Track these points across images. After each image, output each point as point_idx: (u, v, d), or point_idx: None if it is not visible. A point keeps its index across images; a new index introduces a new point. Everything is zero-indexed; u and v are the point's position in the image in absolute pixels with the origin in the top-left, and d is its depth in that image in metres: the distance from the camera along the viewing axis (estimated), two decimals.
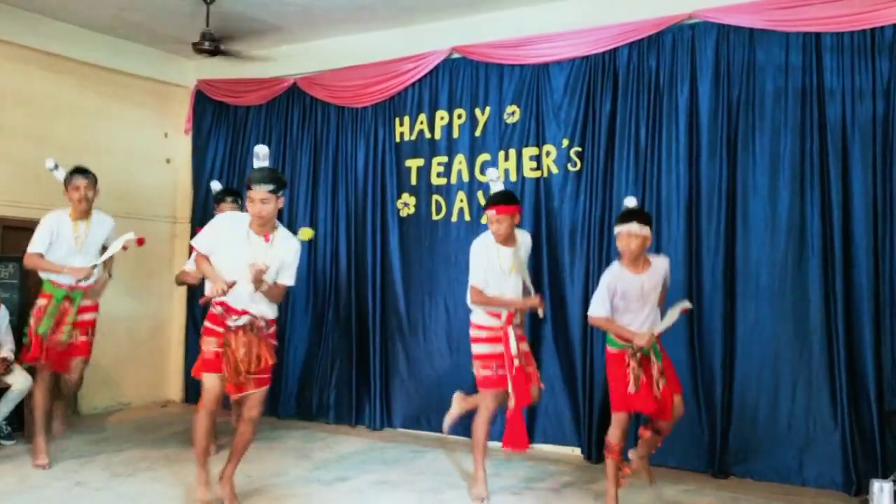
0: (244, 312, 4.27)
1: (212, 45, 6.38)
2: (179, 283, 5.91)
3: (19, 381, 5.91)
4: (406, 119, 6.85)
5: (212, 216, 6.93)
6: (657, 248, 5.61)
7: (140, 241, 5.32)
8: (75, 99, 7.15)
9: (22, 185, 6.67)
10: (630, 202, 4.52)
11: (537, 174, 6.20)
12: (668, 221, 5.62)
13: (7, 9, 6.43)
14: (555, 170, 6.11)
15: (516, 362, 4.64)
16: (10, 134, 6.62)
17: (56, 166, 5.33)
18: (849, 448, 4.98)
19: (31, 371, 5.52)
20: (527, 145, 6.24)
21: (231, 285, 4.11)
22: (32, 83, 6.82)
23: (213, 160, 7.76)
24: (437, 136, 6.70)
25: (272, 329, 4.44)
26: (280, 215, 7.21)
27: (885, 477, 4.51)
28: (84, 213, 5.31)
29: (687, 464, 5.44)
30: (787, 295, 5.26)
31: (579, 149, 6.01)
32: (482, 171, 6.44)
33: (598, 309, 4.41)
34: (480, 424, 4.80)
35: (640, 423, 4.77)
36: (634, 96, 5.80)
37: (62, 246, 5.26)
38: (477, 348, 4.80)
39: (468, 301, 4.83)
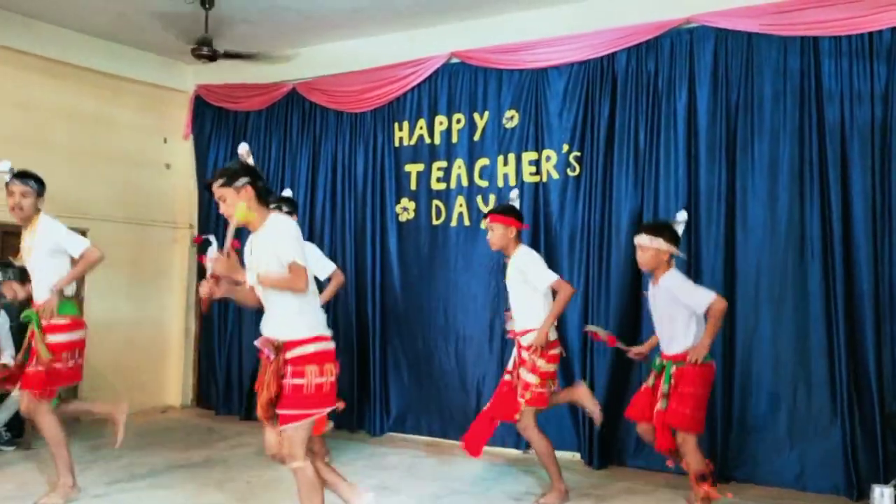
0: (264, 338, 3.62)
1: (210, 50, 6.39)
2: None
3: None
4: (405, 124, 6.85)
5: (216, 221, 6.90)
6: None
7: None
8: (74, 104, 7.16)
9: None
10: (679, 216, 4.55)
11: (536, 179, 6.20)
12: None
13: (5, 14, 6.44)
14: (555, 175, 6.11)
15: (507, 377, 4.82)
16: (8, 139, 6.60)
17: (12, 170, 4.82)
18: (850, 452, 4.97)
19: None
20: (526, 150, 6.25)
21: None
22: (31, 88, 6.83)
23: (215, 165, 7.75)
24: (437, 140, 6.70)
25: (294, 353, 3.50)
26: None
27: (886, 482, 4.50)
28: (24, 222, 4.74)
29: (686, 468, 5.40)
30: (787, 299, 5.26)
31: (578, 153, 6.02)
32: (481, 176, 6.45)
33: None
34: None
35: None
36: (633, 101, 5.81)
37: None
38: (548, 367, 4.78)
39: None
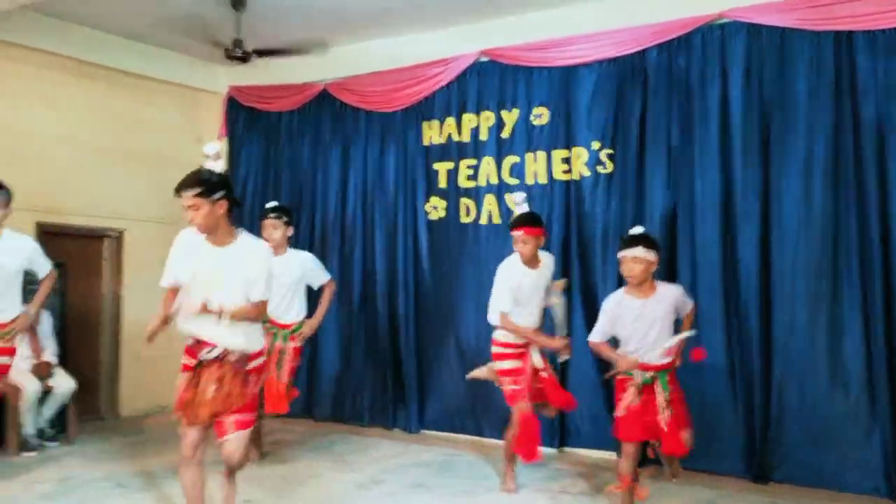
0: (213, 344, 3.63)
1: (242, 51, 6.46)
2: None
3: (62, 383, 6.07)
4: (435, 122, 6.88)
5: (250, 221, 7.02)
6: (694, 251, 5.60)
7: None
8: (109, 106, 7.28)
9: (56, 191, 6.80)
10: (636, 230, 4.47)
11: (567, 177, 6.19)
12: (703, 224, 5.58)
13: (41, 18, 6.56)
14: (585, 172, 6.11)
15: (544, 374, 4.87)
16: (44, 140, 6.75)
17: None
18: (890, 453, 4.91)
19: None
20: (556, 147, 6.24)
21: (171, 316, 3.63)
22: (66, 90, 6.96)
23: (248, 166, 7.86)
24: (466, 138, 6.73)
25: (254, 363, 3.73)
26: (311, 222, 7.40)
27: None
28: None
29: (724, 468, 5.38)
30: (823, 297, 5.19)
31: (610, 151, 6.00)
32: (511, 174, 6.46)
33: (593, 334, 4.48)
34: (511, 438, 4.96)
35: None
36: (665, 97, 5.78)
37: None
38: (502, 364, 4.93)
39: (490, 319, 4.96)
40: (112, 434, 6.54)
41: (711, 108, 5.60)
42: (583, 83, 6.15)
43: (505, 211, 6.42)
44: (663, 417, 4.18)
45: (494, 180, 6.55)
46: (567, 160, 6.20)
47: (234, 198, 3.66)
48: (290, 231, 5.65)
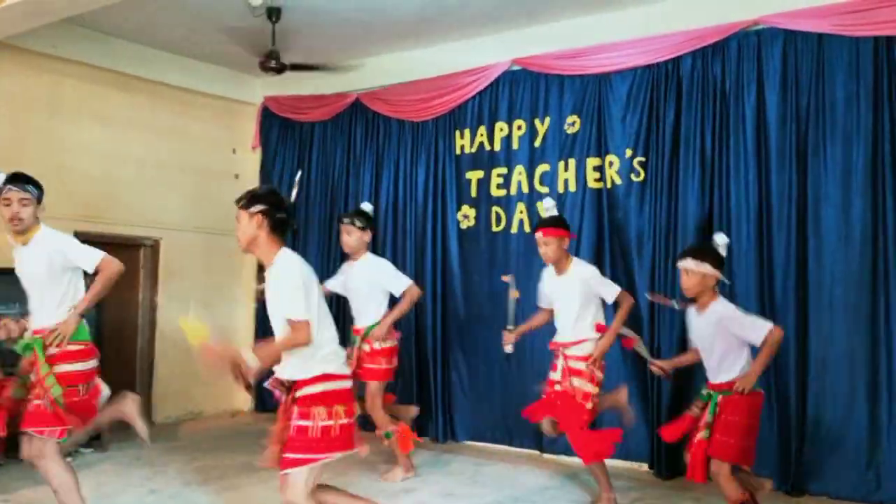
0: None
1: (277, 63, 6.54)
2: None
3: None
4: (466, 132, 6.89)
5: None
6: (730, 260, 5.50)
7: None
8: (148, 117, 7.42)
9: (98, 201, 6.93)
10: (718, 238, 4.34)
11: (600, 185, 6.15)
12: (738, 233, 5.49)
13: (84, 31, 6.72)
14: (618, 180, 6.06)
15: (557, 387, 4.77)
16: (87, 151, 6.90)
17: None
18: None
19: None
20: (589, 155, 6.21)
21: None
22: (108, 102, 7.11)
23: (281, 175, 7.94)
24: (497, 147, 6.72)
25: (304, 391, 3.31)
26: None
27: None
28: (21, 236, 4.04)
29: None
30: (861, 307, 5.08)
31: (643, 159, 5.95)
32: (542, 182, 6.43)
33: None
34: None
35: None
36: (699, 105, 5.72)
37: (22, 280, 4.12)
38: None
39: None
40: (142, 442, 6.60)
41: (747, 116, 5.53)
42: (616, 90, 6.11)
43: (536, 219, 6.38)
44: (700, 437, 4.07)
45: (525, 189, 6.53)
46: (599, 168, 6.15)
47: (281, 217, 3.36)
48: (368, 236, 5.54)
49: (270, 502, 4.87)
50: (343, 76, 7.32)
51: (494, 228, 6.69)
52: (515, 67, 6.61)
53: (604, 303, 4.88)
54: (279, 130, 8.05)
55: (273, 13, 6.26)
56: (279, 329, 3.35)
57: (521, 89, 6.60)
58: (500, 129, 6.70)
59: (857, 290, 5.10)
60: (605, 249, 6.07)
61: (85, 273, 4.16)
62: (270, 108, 8.07)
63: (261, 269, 4.08)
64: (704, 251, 4.20)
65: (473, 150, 6.86)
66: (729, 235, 5.46)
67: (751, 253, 5.46)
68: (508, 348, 5.07)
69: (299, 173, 3.70)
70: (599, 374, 4.75)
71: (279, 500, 4.63)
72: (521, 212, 6.55)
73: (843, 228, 5.17)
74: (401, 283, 5.58)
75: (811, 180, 5.30)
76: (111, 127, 7.11)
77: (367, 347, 5.46)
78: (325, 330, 3.37)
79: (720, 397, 4.07)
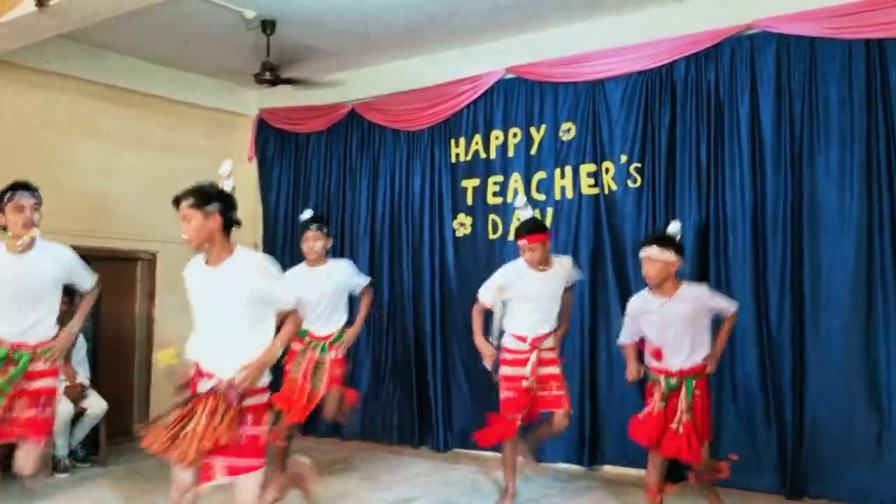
0: (209, 374, 3.31)
1: (272, 74, 6.55)
2: None
3: (94, 404, 6.13)
4: (461, 140, 6.90)
5: (282, 242, 7.02)
6: (726, 264, 5.51)
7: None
8: (143, 130, 7.40)
9: (93, 215, 6.91)
10: (672, 227, 4.45)
11: (595, 191, 6.16)
12: (734, 236, 5.51)
13: (77, 45, 6.71)
14: (614, 186, 6.06)
15: (524, 384, 4.80)
16: (81, 166, 6.88)
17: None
18: None
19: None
20: (584, 162, 6.21)
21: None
22: (102, 116, 7.10)
23: (279, 187, 7.95)
24: (493, 155, 6.73)
25: (257, 399, 3.31)
26: (341, 240, 7.43)
27: None
28: (24, 243, 4.03)
29: (758, 484, 5.27)
30: (858, 309, 5.08)
31: (639, 165, 5.95)
32: (538, 190, 6.44)
33: (621, 336, 4.54)
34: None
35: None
36: (693, 110, 5.73)
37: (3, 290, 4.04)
38: (503, 370, 4.96)
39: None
40: (143, 455, 6.52)
41: (742, 120, 5.54)
42: (610, 97, 6.12)
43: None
44: (679, 420, 4.11)
45: (522, 196, 6.52)
46: (595, 174, 6.16)
47: (232, 216, 3.36)
48: (329, 242, 5.53)
49: None
50: (338, 87, 7.33)
51: (491, 236, 6.69)
52: (509, 76, 6.62)
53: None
54: (275, 142, 8.05)
55: (268, 25, 6.26)
56: (233, 324, 3.29)
57: (516, 97, 6.61)
58: (496, 137, 6.71)
59: (854, 293, 5.10)
60: (603, 255, 6.06)
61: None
62: (266, 119, 8.07)
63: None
64: (667, 239, 4.31)
65: (469, 158, 6.86)
66: (725, 239, 5.55)
67: (747, 256, 5.46)
68: (486, 364, 4.99)
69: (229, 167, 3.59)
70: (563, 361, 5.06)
71: None
72: (518, 219, 6.50)
73: (838, 231, 5.18)
74: (363, 279, 5.61)
75: (806, 183, 5.31)
76: (105, 141, 7.10)
77: (332, 354, 5.37)
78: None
79: (694, 381, 4.18)
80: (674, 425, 4.13)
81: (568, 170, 6.29)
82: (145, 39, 6.72)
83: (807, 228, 5.29)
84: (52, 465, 5.84)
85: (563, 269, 4.97)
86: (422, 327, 6.94)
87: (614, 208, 6.06)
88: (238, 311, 3.28)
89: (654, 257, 4.20)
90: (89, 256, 6.58)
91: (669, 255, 4.20)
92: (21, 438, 4.00)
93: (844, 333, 5.12)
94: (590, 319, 6.05)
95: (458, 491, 5.51)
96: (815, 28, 5.24)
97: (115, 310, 7.20)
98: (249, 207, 8.23)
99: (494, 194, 6.69)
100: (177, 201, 3.37)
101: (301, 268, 5.43)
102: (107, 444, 6.34)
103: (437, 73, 6.97)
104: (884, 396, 4.98)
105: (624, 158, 6.01)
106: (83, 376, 6.21)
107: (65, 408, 5.88)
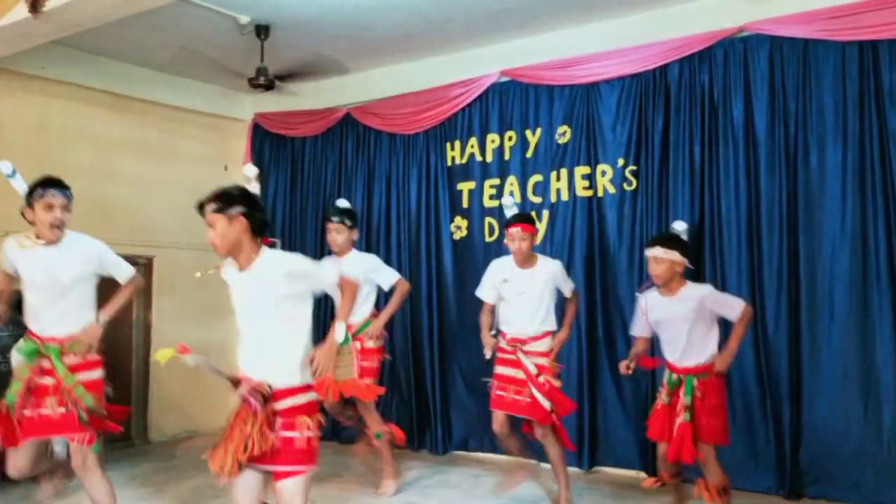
0: (245, 379, 3.22)
1: (266, 79, 6.57)
2: None
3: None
4: (457, 143, 6.92)
5: (279, 247, 7.01)
6: (721, 266, 5.53)
7: None
8: (139, 136, 7.41)
9: (90, 221, 6.87)
10: (678, 226, 4.50)
11: (590, 193, 6.17)
12: (729, 238, 5.53)
13: (73, 52, 6.71)
14: (611, 189, 6.08)
15: (541, 379, 4.80)
16: (77, 171, 6.84)
17: (14, 172, 4.09)
18: None
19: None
20: (579, 164, 6.23)
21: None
22: (98, 122, 7.10)
23: (275, 191, 7.95)
24: (489, 158, 6.74)
25: (288, 402, 3.16)
26: None
27: None
28: (54, 240, 4.02)
29: (755, 485, 5.29)
30: (854, 309, 5.10)
31: (634, 167, 5.97)
32: (534, 192, 6.45)
33: (632, 328, 4.60)
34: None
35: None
36: (687, 113, 5.75)
37: (33, 283, 4.04)
38: (496, 369, 5.05)
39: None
40: (142, 459, 6.58)
41: (736, 122, 5.56)
42: (605, 100, 6.14)
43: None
44: (677, 421, 4.12)
45: (518, 199, 6.53)
46: (589, 177, 6.18)
47: (260, 216, 3.22)
48: (356, 234, 5.51)
49: None
50: (333, 91, 7.34)
51: (487, 239, 6.70)
52: (504, 79, 6.64)
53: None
54: (270, 146, 8.06)
55: (262, 31, 6.27)
56: (266, 326, 3.20)
57: (511, 100, 6.63)
58: (492, 140, 6.73)
59: (850, 293, 5.12)
60: (597, 258, 6.07)
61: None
62: (261, 124, 8.08)
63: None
64: (672, 239, 4.35)
65: (464, 161, 6.88)
66: (720, 241, 5.56)
67: (742, 258, 5.48)
68: (486, 353, 5.06)
69: (255, 170, 3.60)
70: (558, 368, 4.96)
71: None
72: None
73: (833, 232, 5.20)
74: (392, 276, 5.57)
75: (801, 185, 5.33)
76: (101, 146, 7.10)
77: (357, 345, 5.38)
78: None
79: (696, 380, 4.16)
80: (674, 427, 4.15)
81: (563, 172, 6.31)
82: (140, 45, 6.72)
83: (801, 230, 5.30)
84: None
85: (546, 271, 4.93)
86: (420, 330, 6.95)
87: (609, 210, 6.08)
88: (271, 313, 3.17)
89: (659, 257, 4.24)
90: None
91: (675, 255, 4.24)
92: (61, 435, 4.08)
93: (840, 334, 5.14)
94: (586, 321, 6.06)
95: (456, 494, 5.51)
96: (808, 30, 5.26)
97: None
98: None
99: (490, 197, 6.70)
100: (200, 207, 3.24)
101: (329, 258, 5.57)
102: (104, 449, 6.31)
103: (432, 77, 6.98)
104: (881, 396, 4.99)
105: (620, 161, 6.03)
106: None
107: None
